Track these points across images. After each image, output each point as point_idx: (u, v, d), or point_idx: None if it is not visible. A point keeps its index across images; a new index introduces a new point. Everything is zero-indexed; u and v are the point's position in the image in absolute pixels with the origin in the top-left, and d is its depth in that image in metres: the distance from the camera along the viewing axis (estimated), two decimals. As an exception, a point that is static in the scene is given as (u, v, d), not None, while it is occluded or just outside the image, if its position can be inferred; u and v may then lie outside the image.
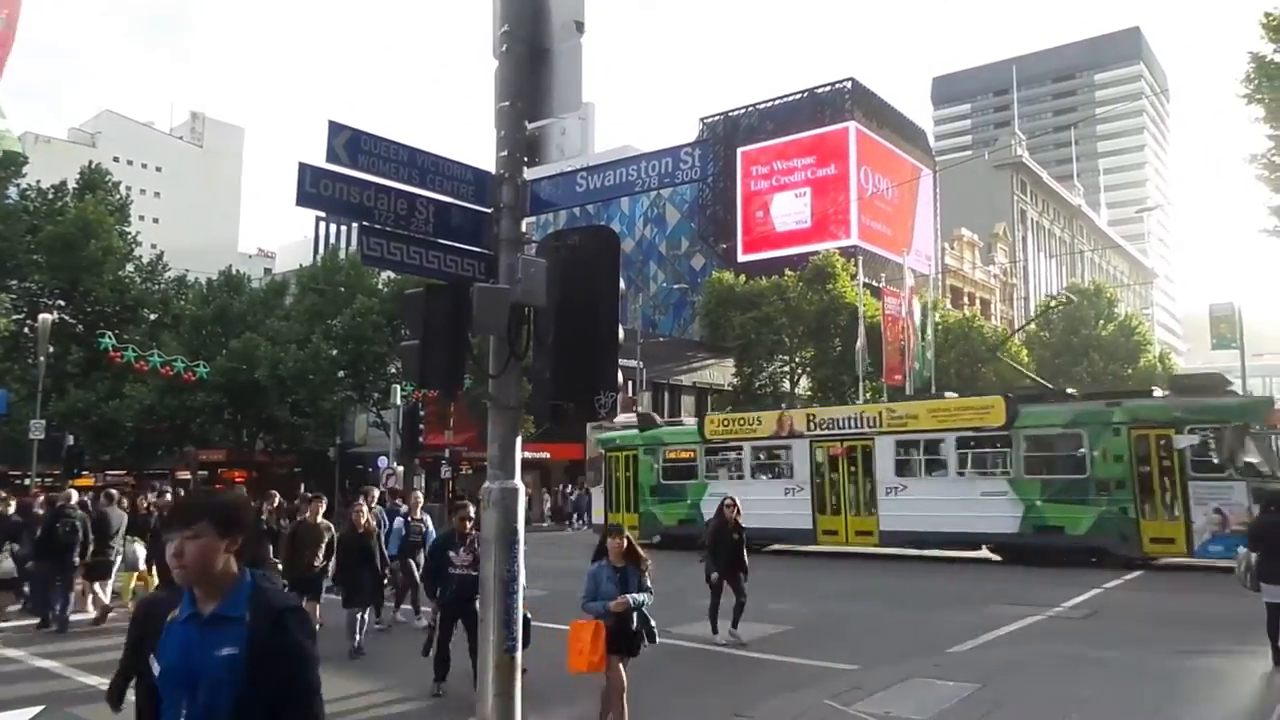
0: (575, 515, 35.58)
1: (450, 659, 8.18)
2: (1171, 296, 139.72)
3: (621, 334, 5.05)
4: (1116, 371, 48.95)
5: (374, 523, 10.89)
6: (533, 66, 4.80)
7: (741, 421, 23.42)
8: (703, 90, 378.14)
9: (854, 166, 53.49)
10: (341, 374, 36.10)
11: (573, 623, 6.45)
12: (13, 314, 33.85)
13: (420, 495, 14.19)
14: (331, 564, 10.49)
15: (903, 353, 36.53)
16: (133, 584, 13.87)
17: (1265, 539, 8.51)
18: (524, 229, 4.87)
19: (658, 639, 6.81)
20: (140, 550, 13.50)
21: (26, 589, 13.28)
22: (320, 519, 10.60)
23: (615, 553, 6.63)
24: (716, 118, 60.38)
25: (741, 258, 54.44)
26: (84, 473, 30.30)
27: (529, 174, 4.89)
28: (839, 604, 13.86)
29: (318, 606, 10.11)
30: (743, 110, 59.69)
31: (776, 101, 58.23)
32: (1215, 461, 16.61)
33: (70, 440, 26.87)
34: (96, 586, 12.71)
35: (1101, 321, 52.35)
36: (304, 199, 4.18)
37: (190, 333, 39.52)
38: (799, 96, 57.29)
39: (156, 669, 2.40)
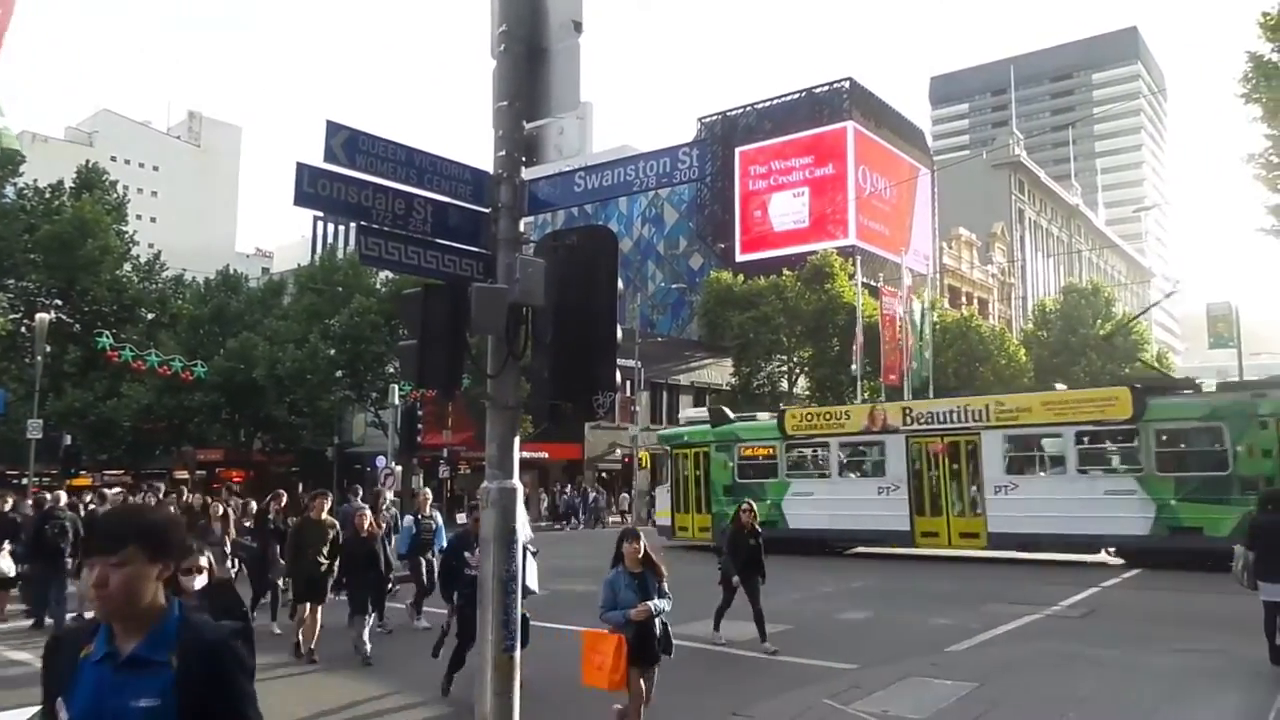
0: (573, 515, 35.66)
1: (466, 662, 8.04)
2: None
3: (620, 334, 5.06)
4: (1114, 371, 49.01)
5: (378, 526, 10.70)
6: (531, 66, 4.80)
7: (827, 416, 22.24)
8: (700, 90, 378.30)
9: (852, 166, 53.55)
10: (339, 374, 36.11)
11: (587, 633, 6.12)
12: (10, 313, 33.85)
13: (429, 493, 13.95)
14: (336, 566, 10.22)
15: (900, 352, 36.54)
16: None
17: (1263, 538, 8.52)
18: (522, 229, 4.87)
19: (674, 650, 6.43)
20: None
21: (15, 591, 13.19)
22: (325, 516, 10.35)
23: (632, 558, 6.19)
24: (714, 117, 60.41)
25: (739, 257, 54.48)
26: (81, 472, 30.29)
27: (527, 174, 4.89)
28: (837, 603, 13.86)
29: (319, 609, 9.92)
30: (741, 110, 59.74)
31: (774, 101, 58.29)
32: None
33: (68, 440, 26.87)
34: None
35: (1099, 321, 52.46)
36: (302, 199, 4.18)
37: (188, 332, 39.52)
38: (797, 96, 57.34)
39: (64, 718, 2.06)
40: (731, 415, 24.57)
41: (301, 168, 4.16)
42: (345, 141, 4.33)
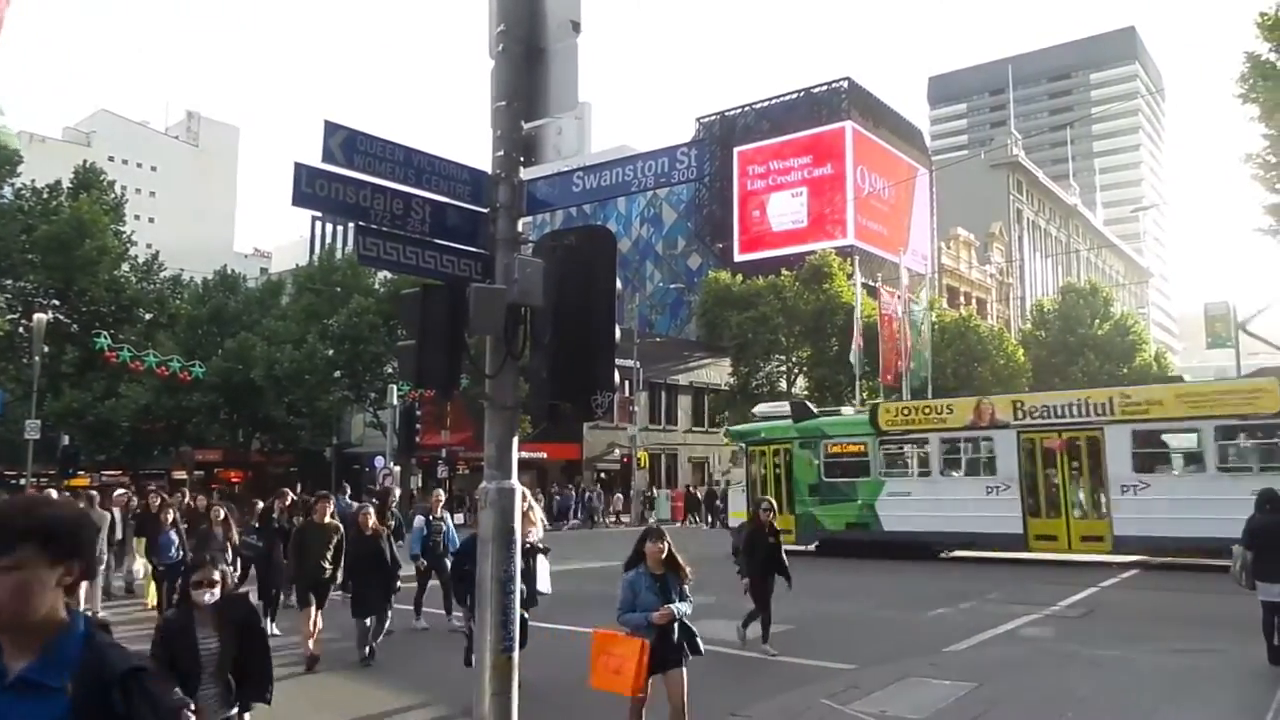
0: (570, 514, 35.69)
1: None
2: (1167, 295, 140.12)
3: (618, 334, 5.05)
4: (1112, 371, 49.08)
5: (382, 524, 10.64)
6: (529, 66, 4.79)
7: (926, 410, 20.98)
8: (699, 90, 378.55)
9: (850, 166, 53.54)
10: (338, 374, 36.11)
11: (599, 633, 5.82)
12: (7, 314, 33.82)
13: (442, 494, 13.81)
14: (339, 569, 10.10)
15: (899, 352, 36.51)
16: (151, 586, 13.48)
17: (1261, 538, 8.53)
18: (520, 229, 4.86)
19: (702, 650, 6.04)
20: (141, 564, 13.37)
21: None
22: (329, 518, 10.25)
23: (654, 559, 5.84)
24: (713, 117, 60.38)
25: (738, 257, 54.43)
26: (80, 473, 30.25)
27: (525, 174, 4.88)
28: (836, 603, 13.85)
29: (320, 612, 9.83)
30: (739, 110, 59.70)
31: (772, 101, 58.24)
32: None
33: (66, 440, 26.88)
34: (83, 587, 12.51)
35: (1097, 321, 52.51)
36: (300, 199, 4.18)
37: (186, 332, 39.51)
38: (795, 96, 57.32)
39: None
40: (815, 410, 23.52)
41: (300, 168, 4.16)
42: (343, 141, 4.33)
